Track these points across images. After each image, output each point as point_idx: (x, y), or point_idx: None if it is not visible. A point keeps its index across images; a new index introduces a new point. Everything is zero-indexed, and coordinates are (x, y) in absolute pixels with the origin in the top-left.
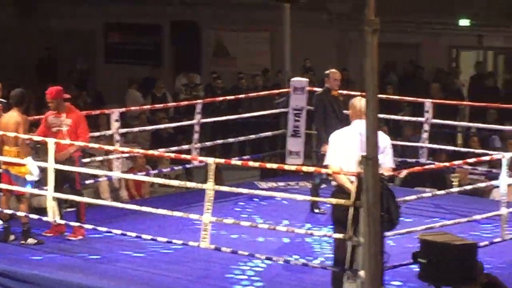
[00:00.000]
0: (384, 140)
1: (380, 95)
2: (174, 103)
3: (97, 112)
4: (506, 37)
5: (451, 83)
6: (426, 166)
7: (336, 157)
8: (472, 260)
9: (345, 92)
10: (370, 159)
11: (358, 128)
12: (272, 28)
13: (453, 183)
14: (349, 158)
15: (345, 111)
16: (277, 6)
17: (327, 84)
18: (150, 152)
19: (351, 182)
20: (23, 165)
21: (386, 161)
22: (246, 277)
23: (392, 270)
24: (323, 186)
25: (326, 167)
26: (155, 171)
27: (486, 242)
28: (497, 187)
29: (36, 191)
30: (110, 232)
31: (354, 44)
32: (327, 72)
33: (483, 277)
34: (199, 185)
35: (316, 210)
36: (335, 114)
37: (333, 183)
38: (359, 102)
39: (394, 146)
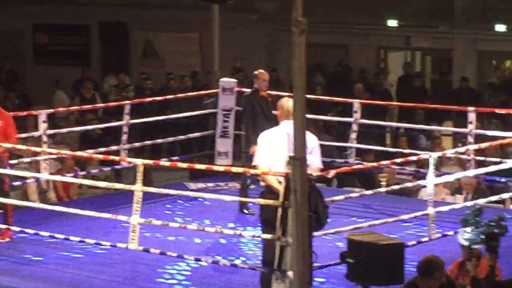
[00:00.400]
0: (312, 141)
1: (308, 96)
2: (103, 104)
3: (25, 113)
4: (433, 38)
5: (379, 84)
6: (354, 166)
7: (264, 157)
8: (399, 259)
9: (274, 92)
10: (298, 160)
11: (286, 128)
12: (201, 29)
13: (382, 183)
14: (277, 158)
15: (274, 112)
16: (206, 7)
17: (256, 84)
18: (79, 153)
19: (279, 182)
20: None
21: (314, 161)
22: (174, 279)
23: (320, 270)
24: (253, 186)
25: (255, 167)
26: (84, 173)
27: (414, 242)
28: (425, 186)
29: None
30: (38, 234)
31: (283, 45)
32: (255, 72)
33: (443, 275)
34: (128, 186)
35: (245, 211)
36: (264, 115)
37: (262, 183)
38: (287, 102)
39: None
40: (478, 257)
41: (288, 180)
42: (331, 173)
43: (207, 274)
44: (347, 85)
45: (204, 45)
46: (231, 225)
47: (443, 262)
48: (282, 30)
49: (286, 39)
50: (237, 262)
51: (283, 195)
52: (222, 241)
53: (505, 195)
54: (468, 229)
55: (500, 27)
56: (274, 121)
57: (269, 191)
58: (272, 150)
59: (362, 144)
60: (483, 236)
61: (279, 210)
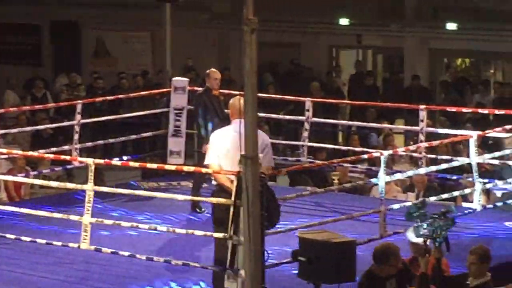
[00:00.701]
0: (263, 139)
1: (260, 94)
2: (54, 104)
3: None
4: (384, 36)
5: (332, 82)
6: (306, 165)
7: (215, 156)
8: (350, 257)
9: (226, 91)
10: (249, 158)
11: (237, 127)
12: (152, 28)
13: (334, 181)
14: (229, 157)
15: (226, 111)
16: (158, 6)
17: (208, 83)
18: (30, 153)
19: (231, 181)
20: None
21: (266, 160)
22: (127, 278)
23: (272, 268)
24: (205, 185)
25: (207, 166)
26: (35, 172)
27: (365, 239)
28: (377, 184)
29: None
30: None
31: (235, 44)
32: (207, 71)
33: (398, 261)
34: (79, 186)
35: (197, 210)
36: (216, 114)
37: (214, 182)
38: (238, 101)
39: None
40: (428, 253)
41: (240, 179)
42: (283, 171)
43: (159, 273)
44: (299, 84)
45: (156, 44)
46: (183, 224)
47: (398, 248)
48: (233, 29)
49: (237, 38)
50: (189, 261)
51: (235, 194)
52: (175, 240)
53: (456, 193)
54: (424, 224)
55: (451, 26)
56: (226, 120)
57: (221, 190)
58: (224, 149)
59: (314, 143)
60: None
61: (231, 209)
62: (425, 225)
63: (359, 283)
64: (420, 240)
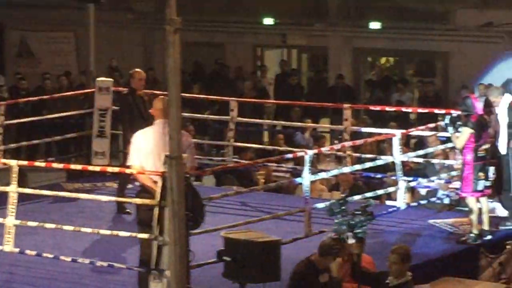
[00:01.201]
0: (186, 139)
1: (184, 94)
2: None
3: None
4: (309, 35)
5: (257, 82)
6: (231, 165)
7: (138, 157)
8: (275, 257)
9: (150, 91)
10: (173, 159)
11: (160, 127)
12: (76, 28)
13: (259, 181)
14: (151, 157)
15: (151, 111)
16: (82, 6)
17: (132, 84)
18: None
19: (155, 181)
20: None
21: (189, 160)
22: (52, 280)
23: (198, 268)
24: (130, 186)
25: (130, 167)
26: None
27: (290, 239)
28: (302, 183)
29: None
30: None
31: (159, 44)
32: (131, 72)
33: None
34: (2, 188)
35: (123, 211)
36: (141, 114)
37: (137, 183)
38: (162, 102)
39: (200, 145)
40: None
41: (165, 179)
42: (208, 171)
43: (84, 274)
44: (225, 84)
45: (80, 44)
46: (108, 225)
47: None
48: (157, 29)
49: (161, 38)
50: (114, 262)
51: (160, 194)
52: (100, 241)
53: (380, 191)
54: (345, 220)
55: (375, 25)
56: (151, 120)
57: (145, 191)
58: (146, 150)
59: (240, 142)
60: (348, 225)
61: (156, 210)
62: (345, 221)
63: (295, 270)
64: (340, 235)
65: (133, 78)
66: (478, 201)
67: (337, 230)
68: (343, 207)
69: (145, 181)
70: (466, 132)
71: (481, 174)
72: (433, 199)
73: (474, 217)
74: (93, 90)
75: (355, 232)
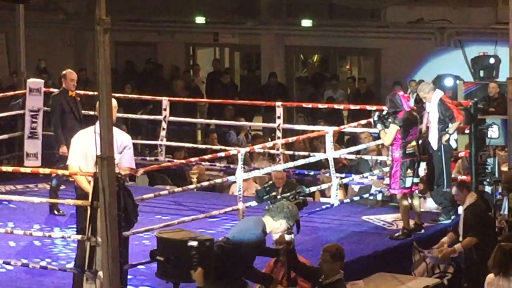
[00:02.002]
0: (124, 140)
1: (117, 94)
2: None
3: None
4: (241, 34)
5: (190, 81)
6: (164, 164)
7: (76, 157)
8: (208, 255)
9: (82, 92)
10: (105, 159)
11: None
12: (7, 29)
13: (193, 180)
14: (88, 158)
15: (83, 111)
16: (12, 6)
17: (64, 84)
18: None
19: (89, 182)
20: None
21: (126, 160)
22: None
23: (132, 269)
24: (62, 187)
25: (66, 168)
26: None
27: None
28: (235, 182)
29: None
30: None
31: (90, 44)
32: (63, 72)
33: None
34: None
35: (56, 212)
36: (73, 115)
37: (76, 184)
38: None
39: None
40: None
41: (96, 180)
42: (140, 171)
43: (17, 277)
44: (157, 83)
45: (11, 45)
46: (41, 227)
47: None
48: (88, 29)
49: (92, 38)
50: (48, 264)
51: (92, 195)
52: (32, 243)
53: (314, 188)
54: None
55: (306, 22)
56: (84, 121)
57: (83, 191)
58: (84, 150)
59: (173, 142)
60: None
61: (89, 210)
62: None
63: None
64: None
65: (64, 78)
66: (407, 197)
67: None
68: (271, 193)
69: (80, 182)
70: (393, 129)
71: (409, 171)
72: (366, 195)
73: (403, 213)
74: (24, 91)
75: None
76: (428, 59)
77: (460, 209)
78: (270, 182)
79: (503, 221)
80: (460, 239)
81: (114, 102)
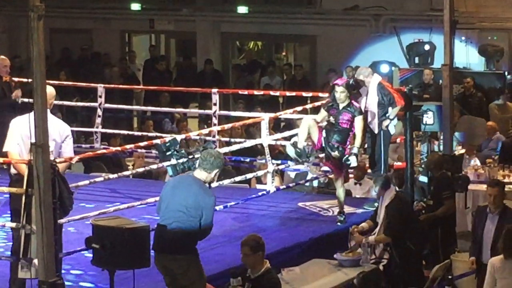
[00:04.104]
0: (66, 129)
1: (52, 81)
2: None
3: None
4: (176, 20)
5: (126, 68)
6: (100, 151)
7: (15, 143)
8: (144, 243)
9: (17, 79)
10: (40, 146)
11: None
12: None
13: (129, 167)
14: (26, 145)
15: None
16: None
17: None
18: None
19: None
20: None
21: (68, 150)
22: None
23: (68, 256)
24: None
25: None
26: None
27: None
28: None
29: None
30: None
31: (24, 31)
32: None
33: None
34: None
35: None
36: (8, 101)
37: (12, 170)
38: None
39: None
40: None
41: (31, 167)
42: (75, 159)
43: None
44: (93, 70)
45: None
46: None
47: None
48: (22, 15)
49: (26, 24)
50: None
51: (26, 183)
52: None
53: (250, 175)
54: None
55: (242, 9)
56: (18, 107)
57: (17, 179)
58: (23, 137)
59: (109, 129)
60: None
61: (23, 198)
62: (182, 161)
63: None
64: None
65: None
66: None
67: (173, 172)
68: (173, 147)
69: (20, 169)
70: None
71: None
72: (302, 181)
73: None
74: None
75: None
76: (364, 46)
77: None
78: (172, 137)
79: (420, 204)
80: (377, 230)
81: (51, 90)
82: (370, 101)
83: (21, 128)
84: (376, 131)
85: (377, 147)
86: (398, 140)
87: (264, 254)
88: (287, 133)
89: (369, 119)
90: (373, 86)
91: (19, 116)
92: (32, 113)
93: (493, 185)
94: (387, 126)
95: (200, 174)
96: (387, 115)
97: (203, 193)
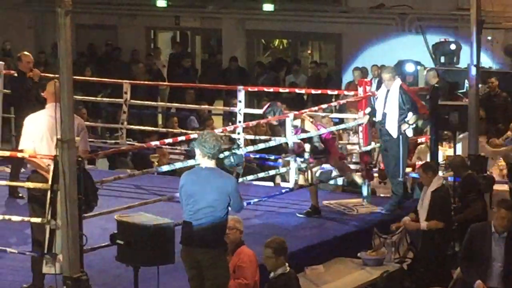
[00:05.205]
0: (80, 122)
1: (77, 77)
2: None
3: None
4: (202, 17)
5: (152, 64)
6: (125, 147)
7: (31, 141)
8: (169, 239)
9: (42, 74)
10: (66, 142)
11: (52, 111)
12: None
13: (154, 163)
14: (44, 141)
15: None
16: None
17: (20, 67)
18: None
19: (48, 165)
20: None
21: (81, 144)
22: None
23: (92, 252)
24: (23, 170)
25: (22, 151)
26: None
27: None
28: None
29: None
30: None
31: (51, 26)
32: (19, 55)
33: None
34: None
35: (15, 195)
36: (33, 97)
37: (29, 166)
38: (54, 85)
39: (94, 128)
40: None
41: (56, 163)
42: (100, 154)
43: None
44: (118, 66)
45: None
46: (0, 209)
47: None
48: (49, 11)
49: (53, 20)
50: (7, 247)
51: (52, 178)
52: None
53: (273, 172)
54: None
55: (268, 7)
56: (43, 103)
57: (37, 174)
58: (39, 133)
59: (133, 125)
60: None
61: (48, 193)
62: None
63: None
64: None
65: (20, 61)
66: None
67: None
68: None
69: (38, 165)
70: None
71: None
72: (325, 178)
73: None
74: None
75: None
76: (389, 44)
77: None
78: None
79: None
80: (422, 220)
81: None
82: (390, 104)
83: (35, 125)
84: (394, 135)
85: (395, 152)
86: (423, 139)
87: (286, 259)
88: (313, 133)
89: (388, 122)
90: (395, 90)
91: (33, 114)
92: (47, 109)
93: (509, 208)
94: (405, 130)
95: (209, 163)
96: (406, 119)
97: (223, 180)
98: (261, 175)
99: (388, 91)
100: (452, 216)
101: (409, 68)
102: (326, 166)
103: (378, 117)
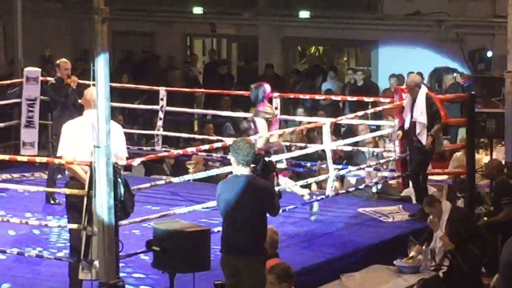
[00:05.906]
0: (116, 129)
1: (114, 84)
2: None
3: None
4: (238, 25)
5: (188, 71)
6: (161, 154)
7: (68, 147)
8: (205, 246)
9: (80, 81)
10: (102, 148)
11: (90, 117)
12: (5, 18)
13: (189, 170)
14: (82, 148)
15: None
16: None
17: (58, 73)
18: None
19: (86, 172)
20: None
21: (119, 150)
22: None
23: (127, 258)
24: (59, 176)
25: (60, 157)
26: None
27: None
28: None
29: None
30: None
31: (87, 33)
32: (57, 62)
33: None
34: None
35: (52, 201)
36: (71, 104)
37: (67, 173)
38: (91, 91)
39: (130, 134)
40: None
41: (93, 169)
42: (137, 161)
43: (12, 266)
44: (154, 73)
45: (8, 34)
46: (38, 215)
47: None
48: (85, 18)
49: (90, 27)
50: (44, 253)
51: (88, 185)
52: (29, 232)
53: (310, 179)
54: None
55: (304, 14)
56: (81, 110)
57: (75, 181)
58: (77, 140)
59: (170, 132)
60: None
61: (85, 200)
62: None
63: None
64: None
65: (59, 68)
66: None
67: None
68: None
69: (76, 171)
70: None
71: None
72: (362, 187)
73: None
74: (21, 80)
75: None
76: (425, 51)
77: None
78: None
79: (480, 209)
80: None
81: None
82: (419, 112)
83: (74, 131)
84: (424, 142)
85: (422, 160)
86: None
87: (291, 284)
88: (349, 140)
89: (418, 130)
90: (422, 97)
91: (71, 120)
92: (85, 116)
93: None
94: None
95: (244, 170)
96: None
97: (258, 187)
98: (300, 183)
99: (414, 99)
100: (477, 226)
101: (446, 75)
102: (361, 174)
103: (406, 126)
